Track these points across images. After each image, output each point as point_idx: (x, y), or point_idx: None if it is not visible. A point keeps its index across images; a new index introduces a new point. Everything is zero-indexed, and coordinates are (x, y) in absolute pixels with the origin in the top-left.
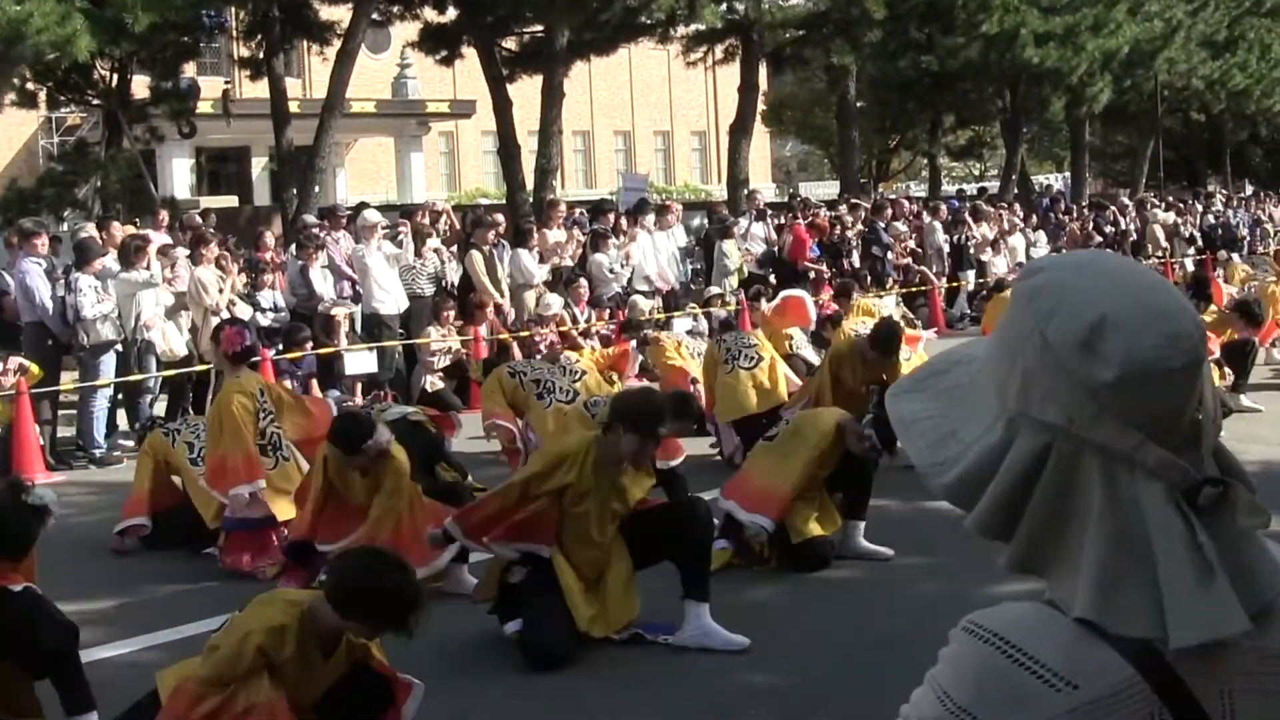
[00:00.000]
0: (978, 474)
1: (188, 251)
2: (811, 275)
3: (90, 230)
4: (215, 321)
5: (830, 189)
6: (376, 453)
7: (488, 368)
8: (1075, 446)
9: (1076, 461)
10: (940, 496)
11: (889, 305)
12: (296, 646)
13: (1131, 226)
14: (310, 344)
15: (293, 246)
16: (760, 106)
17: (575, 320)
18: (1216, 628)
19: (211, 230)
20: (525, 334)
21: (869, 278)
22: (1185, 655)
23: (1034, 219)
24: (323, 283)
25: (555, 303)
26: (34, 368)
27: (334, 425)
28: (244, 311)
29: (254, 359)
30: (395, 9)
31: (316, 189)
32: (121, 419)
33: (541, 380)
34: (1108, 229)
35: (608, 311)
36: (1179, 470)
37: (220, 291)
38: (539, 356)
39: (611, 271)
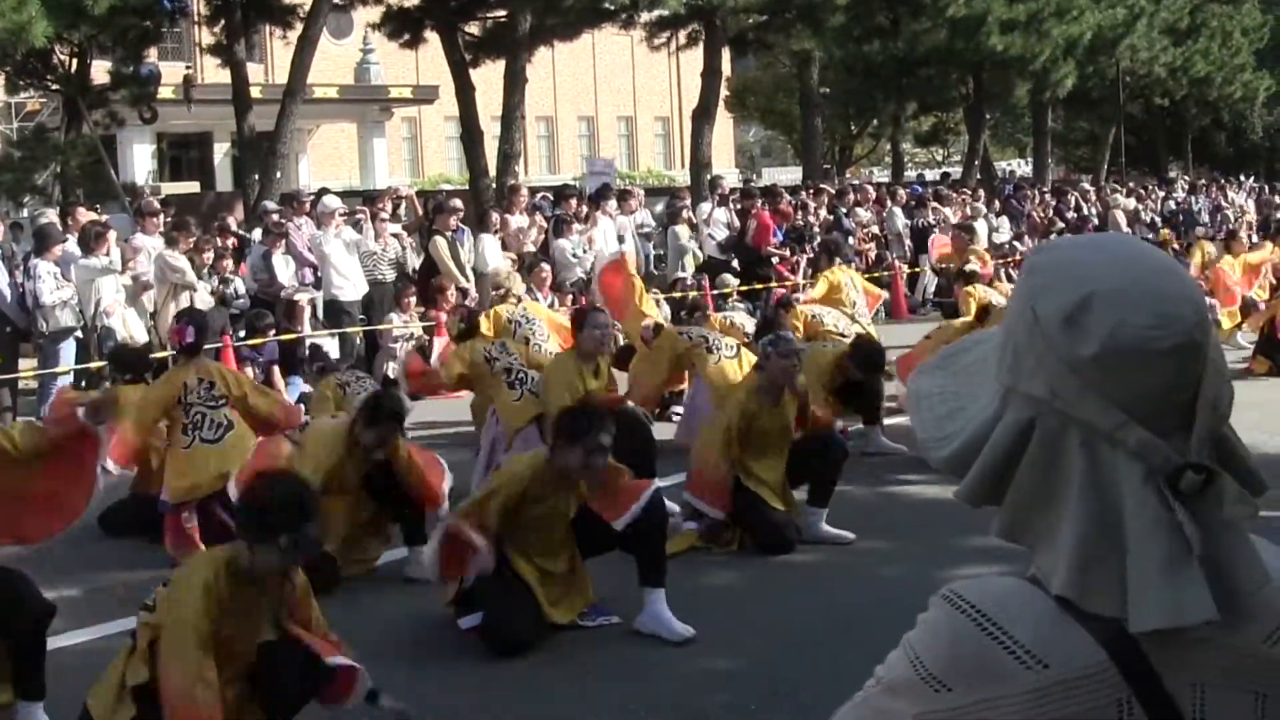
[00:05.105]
0: (974, 447)
1: (149, 238)
2: (775, 260)
3: (50, 216)
4: (186, 303)
5: (794, 174)
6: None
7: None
8: (1059, 422)
9: (1061, 437)
10: (939, 470)
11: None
12: (230, 585)
13: (1093, 212)
14: (273, 330)
15: (257, 232)
16: (724, 92)
17: None
18: (1178, 614)
19: (186, 219)
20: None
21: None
22: (1158, 643)
23: (996, 205)
24: (284, 269)
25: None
26: None
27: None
28: (204, 298)
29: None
30: None
31: (279, 175)
32: None
33: (513, 370)
34: (1069, 215)
35: (570, 296)
36: (1161, 453)
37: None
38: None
39: (574, 256)
